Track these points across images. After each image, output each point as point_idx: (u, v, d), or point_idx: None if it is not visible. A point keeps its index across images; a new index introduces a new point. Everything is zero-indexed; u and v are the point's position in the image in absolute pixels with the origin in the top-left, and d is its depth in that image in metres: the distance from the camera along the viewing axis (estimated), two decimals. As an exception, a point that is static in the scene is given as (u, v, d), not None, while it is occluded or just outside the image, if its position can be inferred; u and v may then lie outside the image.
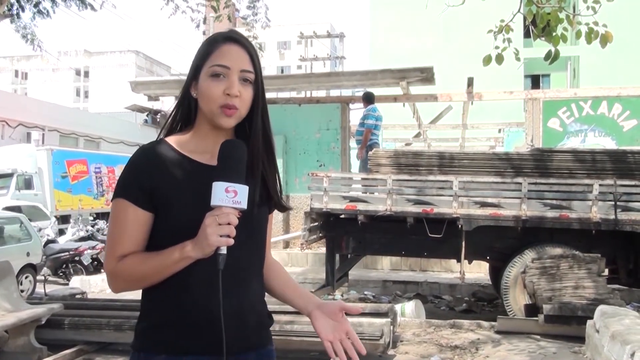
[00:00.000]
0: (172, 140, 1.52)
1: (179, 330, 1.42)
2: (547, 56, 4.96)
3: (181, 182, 1.45)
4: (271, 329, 1.60)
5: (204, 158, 1.49)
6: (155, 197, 1.43)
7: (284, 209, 1.64)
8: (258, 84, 1.51)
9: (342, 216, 7.13)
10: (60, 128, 26.54)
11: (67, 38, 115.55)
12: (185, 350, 1.42)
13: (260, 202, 1.53)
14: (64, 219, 17.17)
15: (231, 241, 1.33)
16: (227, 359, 1.37)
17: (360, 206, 6.73)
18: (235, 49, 1.48)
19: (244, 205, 1.35)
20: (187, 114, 1.55)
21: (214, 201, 1.33)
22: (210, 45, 1.49)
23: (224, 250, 1.34)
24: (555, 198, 6.32)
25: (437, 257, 8.87)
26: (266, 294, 1.62)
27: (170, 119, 1.58)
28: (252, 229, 1.49)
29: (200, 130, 1.52)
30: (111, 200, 1.48)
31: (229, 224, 1.32)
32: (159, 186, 1.43)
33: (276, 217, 10.95)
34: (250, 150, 1.48)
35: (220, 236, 1.32)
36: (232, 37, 1.51)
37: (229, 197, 1.33)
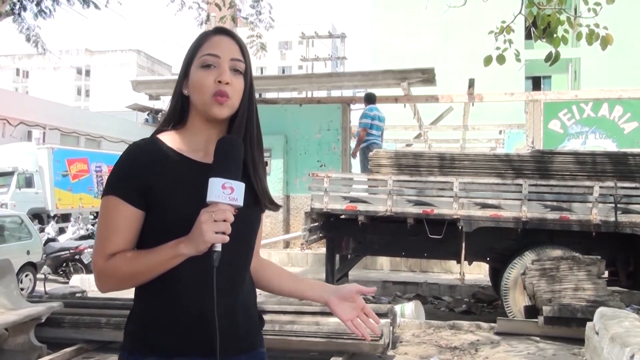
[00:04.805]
0: (164, 137, 1.49)
1: (169, 330, 1.39)
2: (548, 58, 4.96)
3: (174, 180, 1.41)
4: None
5: (197, 155, 1.47)
6: (148, 195, 1.40)
7: (276, 207, 1.60)
8: (248, 76, 1.50)
9: (343, 217, 7.14)
10: (61, 127, 26.58)
11: (69, 36, 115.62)
12: (175, 351, 1.39)
13: (254, 200, 1.50)
14: (64, 218, 17.22)
15: (227, 238, 1.30)
16: None
17: (361, 207, 6.73)
18: (226, 39, 1.49)
19: (240, 202, 1.33)
20: (179, 113, 1.53)
21: (210, 197, 1.31)
22: (201, 39, 1.50)
23: (219, 248, 1.31)
24: (555, 200, 6.32)
25: (437, 258, 8.88)
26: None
27: (164, 118, 1.58)
28: (245, 227, 1.46)
29: (192, 127, 1.50)
30: (101, 197, 1.45)
31: (224, 220, 1.30)
32: (151, 184, 1.40)
33: (276, 217, 10.95)
34: (246, 146, 1.47)
35: (216, 233, 1.29)
36: (222, 30, 1.53)
37: (226, 193, 1.31)
